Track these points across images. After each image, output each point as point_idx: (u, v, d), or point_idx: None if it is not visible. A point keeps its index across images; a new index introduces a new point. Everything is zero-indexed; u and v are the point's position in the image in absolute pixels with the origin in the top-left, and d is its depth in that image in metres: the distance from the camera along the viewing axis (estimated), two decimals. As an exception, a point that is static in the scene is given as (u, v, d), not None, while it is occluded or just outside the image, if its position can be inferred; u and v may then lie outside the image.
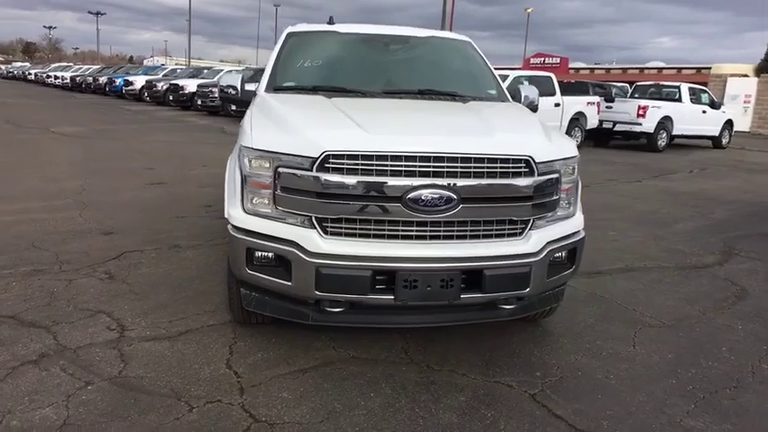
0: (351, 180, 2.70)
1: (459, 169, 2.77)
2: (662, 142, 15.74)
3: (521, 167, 2.87)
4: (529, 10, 63.96)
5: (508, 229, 2.93)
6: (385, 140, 2.80)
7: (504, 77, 13.37)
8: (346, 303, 2.86)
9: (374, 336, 3.43)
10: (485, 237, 2.89)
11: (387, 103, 3.67)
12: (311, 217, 2.79)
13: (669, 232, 6.57)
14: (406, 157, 2.73)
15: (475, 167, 2.79)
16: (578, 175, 3.25)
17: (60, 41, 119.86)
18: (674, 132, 16.00)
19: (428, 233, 2.81)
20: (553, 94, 14.20)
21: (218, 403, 2.71)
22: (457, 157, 2.76)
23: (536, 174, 2.90)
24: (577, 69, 55.46)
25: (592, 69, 57.62)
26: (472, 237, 2.87)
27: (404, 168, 2.73)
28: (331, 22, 4.56)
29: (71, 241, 5.06)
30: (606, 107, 15.92)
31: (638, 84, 19.15)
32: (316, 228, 2.79)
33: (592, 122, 15.48)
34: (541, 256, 2.94)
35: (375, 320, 3.01)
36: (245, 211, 2.95)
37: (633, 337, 3.68)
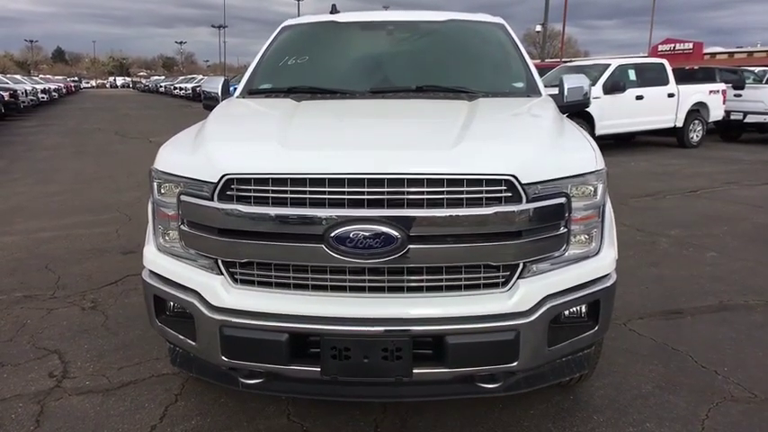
0: (259, 212, 2.03)
1: (406, 197, 1.99)
2: (807, 134, 13.20)
3: (500, 191, 2.02)
4: (654, -8, 58.60)
5: (484, 278, 2.08)
6: (304, 159, 2.09)
7: (605, 67, 11.90)
8: (266, 373, 2.18)
9: (346, 402, 2.72)
10: (449, 289, 2.08)
11: (361, 107, 2.94)
12: (217, 260, 2.15)
13: (794, 254, 5.12)
14: (330, 180, 2.00)
15: (430, 194, 1.99)
16: (606, 197, 2.31)
17: (192, 55, 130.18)
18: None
19: (367, 284, 2.06)
20: (666, 83, 12.38)
21: (104, 494, 2.16)
22: (403, 180, 1.98)
23: (525, 199, 2.03)
24: (713, 54, 50.15)
25: (731, 54, 51.82)
26: (431, 289, 2.07)
27: (328, 197, 2.00)
28: (333, 11, 3.90)
29: (85, 261, 4.87)
30: (735, 95, 13.66)
31: (778, 65, 16.35)
32: (223, 274, 2.15)
33: (716, 114, 13.33)
34: (535, 315, 2.06)
35: (315, 392, 2.29)
36: (158, 249, 2.38)
37: (704, 419, 2.63)
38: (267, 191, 2.04)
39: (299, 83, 3.29)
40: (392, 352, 2.01)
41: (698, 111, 12.98)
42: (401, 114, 2.77)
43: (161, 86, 55.31)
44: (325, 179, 2.00)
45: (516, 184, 2.02)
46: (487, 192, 2.01)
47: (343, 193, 1.99)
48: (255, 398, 2.77)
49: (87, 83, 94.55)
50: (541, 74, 12.29)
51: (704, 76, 15.07)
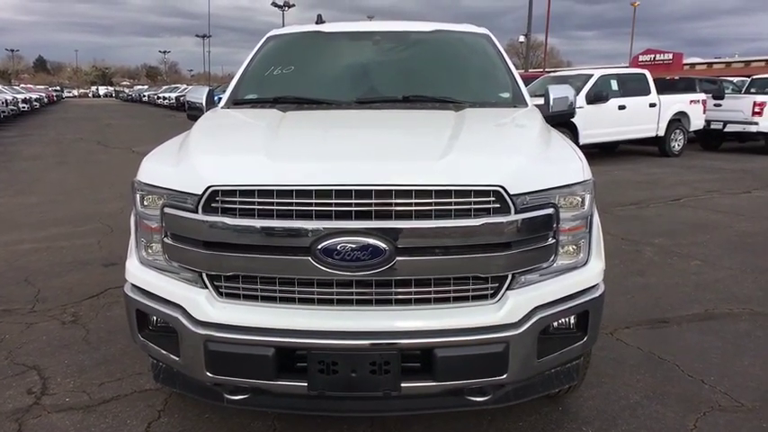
0: (244, 224, 2.00)
1: (394, 208, 1.97)
2: (785, 144, 13.45)
3: (488, 202, 2.01)
4: (636, 4, 59.61)
5: (473, 291, 2.07)
6: (291, 170, 2.06)
7: (588, 77, 12.04)
8: (251, 388, 2.13)
9: (331, 418, 2.68)
10: (438, 301, 2.06)
11: (347, 117, 2.92)
12: (201, 274, 2.11)
13: (776, 262, 5.18)
14: (317, 192, 1.97)
15: (418, 205, 1.97)
16: (593, 207, 2.31)
17: (176, 65, 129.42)
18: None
19: (354, 296, 2.03)
20: (647, 93, 12.55)
21: None
22: (390, 191, 1.96)
23: (513, 210, 2.02)
24: (693, 65, 51.12)
25: (710, 64, 52.89)
26: (419, 301, 2.05)
27: (315, 209, 1.97)
28: (319, 21, 3.89)
29: (66, 274, 4.77)
30: (715, 105, 13.88)
31: (756, 77, 16.67)
32: (208, 287, 2.11)
33: (696, 123, 13.54)
34: (524, 327, 2.05)
35: (301, 407, 2.25)
36: (141, 263, 2.33)
37: (691, 429, 2.63)
38: (253, 203, 2.01)
39: (284, 93, 3.27)
40: (380, 365, 1.98)
41: (679, 120, 13.18)
42: (388, 125, 2.75)
43: (144, 96, 54.91)
44: (311, 191, 1.98)
45: (504, 195, 2.01)
46: (476, 203, 2.00)
47: (330, 204, 1.97)
48: (240, 413, 2.71)
49: (69, 92, 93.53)
50: (525, 84, 12.34)
51: (685, 86, 15.31)
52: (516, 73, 3.52)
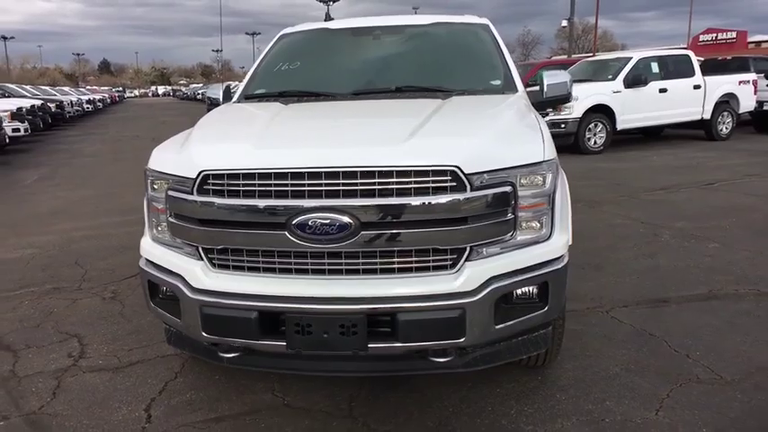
0: (231, 203, 2.29)
1: (359, 187, 2.21)
2: None
3: (445, 181, 2.21)
4: (695, -20, 56.72)
5: (434, 261, 2.28)
6: (271, 156, 2.34)
7: (627, 60, 11.81)
8: (242, 348, 2.44)
9: (327, 378, 2.96)
10: (401, 271, 2.29)
11: (339, 108, 3.17)
12: (198, 247, 2.42)
13: (799, 244, 5.09)
14: (292, 174, 2.24)
15: (380, 184, 2.20)
16: (556, 185, 2.47)
17: (229, 62, 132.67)
18: None
19: (327, 267, 2.29)
20: (691, 74, 12.17)
21: (104, 454, 2.47)
22: (356, 172, 2.21)
23: (469, 188, 2.22)
24: (759, 43, 48.26)
25: (778, 41, 49.77)
26: (384, 271, 2.29)
27: (291, 189, 2.24)
28: (327, 18, 4.15)
29: (110, 257, 5.26)
30: (768, 85, 13.30)
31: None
32: (203, 260, 2.42)
33: (746, 105, 13.01)
34: (480, 295, 2.25)
35: (286, 366, 2.54)
36: (153, 240, 2.68)
37: (664, 398, 2.75)
38: (238, 185, 2.29)
39: (289, 87, 3.55)
40: (348, 328, 2.23)
41: (727, 102, 12.71)
42: (372, 114, 2.99)
43: (198, 94, 56.87)
44: (287, 173, 2.24)
45: (460, 174, 2.21)
46: (434, 182, 2.21)
47: (303, 185, 2.23)
48: (246, 376, 3.04)
49: (131, 92, 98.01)
50: (564, 69, 12.05)
51: (738, 66, 14.74)
52: (510, 60, 3.67)
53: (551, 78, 3.64)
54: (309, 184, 2.22)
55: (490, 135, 2.44)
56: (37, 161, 12.92)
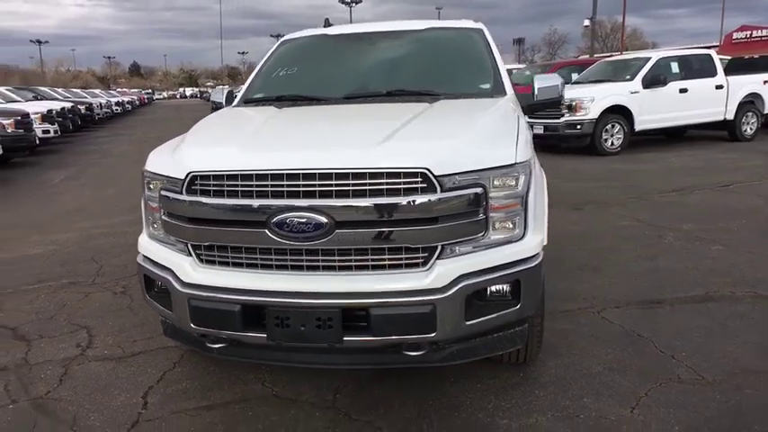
0: (216, 203, 2.43)
1: (334, 188, 2.33)
2: None
3: (416, 182, 2.31)
4: (728, -23, 55.33)
5: (406, 259, 2.39)
6: (253, 158, 2.47)
7: (646, 60, 11.68)
8: (228, 339, 2.58)
9: (315, 371, 3.09)
10: (375, 268, 2.39)
11: (328, 112, 3.30)
12: (187, 244, 2.57)
13: (807, 247, 5.03)
14: (272, 175, 2.37)
15: (354, 185, 2.32)
16: (530, 186, 2.54)
17: (255, 64, 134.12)
18: None
19: (305, 263, 2.41)
20: (713, 74, 11.97)
21: (100, 436, 2.63)
22: (331, 174, 2.32)
23: (439, 189, 2.31)
24: (797, 39, 46.86)
25: (820, 37, 48.26)
26: (359, 268, 2.40)
27: (271, 189, 2.37)
28: (327, 24, 4.28)
29: (124, 254, 5.48)
30: (795, 85, 12.96)
31: None
32: (192, 255, 2.57)
33: (772, 105, 12.73)
34: (450, 292, 2.34)
35: (268, 357, 2.69)
36: (149, 237, 2.85)
37: (641, 397, 2.80)
38: (223, 185, 2.43)
39: (285, 92, 3.70)
40: (324, 321, 2.35)
41: (751, 102, 12.46)
42: (357, 118, 3.11)
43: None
44: (267, 174, 2.37)
45: (430, 176, 2.31)
46: (405, 183, 2.31)
47: (282, 186, 2.35)
48: (239, 368, 3.18)
49: (160, 94, 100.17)
50: (581, 70, 12.13)
51: (766, 64, 14.39)
52: (501, 64, 3.75)
53: (542, 82, 3.71)
54: (288, 185, 2.35)
55: (464, 138, 2.53)
56: (65, 162, 13.40)
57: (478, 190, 2.38)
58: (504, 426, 2.62)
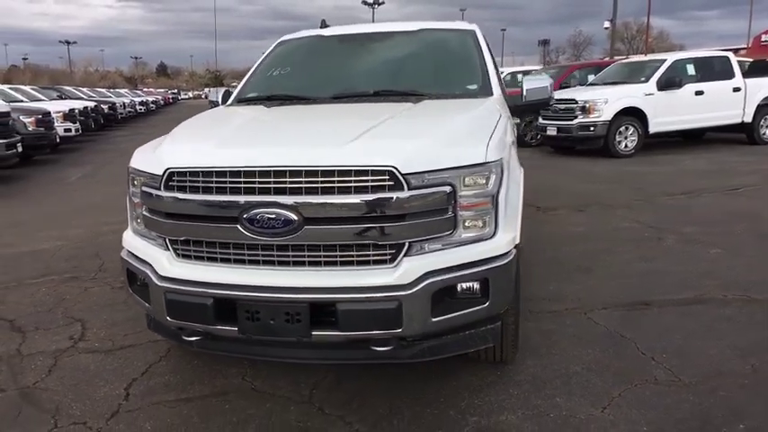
0: (190, 198, 2.50)
1: (303, 185, 2.38)
2: None
3: (383, 180, 2.35)
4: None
5: (374, 256, 2.42)
6: (227, 155, 2.54)
7: (661, 63, 11.52)
8: (203, 332, 2.64)
9: (296, 367, 3.15)
10: (343, 264, 2.44)
11: (311, 111, 3.36)
12: (165, 238, 2.65)
13: (809, 252, 4.93)
14: (245, 172, 2.43)
15: (323, 182, 2.36)
16: (501, 185, 2.55)
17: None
18: None
19: (276, 258, 2.47)
20: (731, 76, 11.76)
21: (80, 426, 2.73)
22: (300, 171, 2.37)
23: (406, 187, 2.35)
24: (827, 42, 45.69)
25: None
26: (327, 263, 2.44)
27: (243, 185, 2.43)
28: (323, 25, 4.34)
29: (128, 250, 5.60)
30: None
31: None
32: (169, 250, 2.64)
33: (792, 107, 12.43)
34: (415, 289, 2.37)
35: (240, 351, 2.75)
36: (133, 232, 2.93)
37: (615, 397, 2.79)
38: (198, 181, 2.50)
39: (277, 91, 3.77)
40: (293, 315, 2.40)
41: (771, 105, 12.20)
42: (336, 117, 3.16)
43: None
44: (240, 171, 2.43)
45: (397, 174, 2.34)
46: (373, 181, 2.35)
47: (254, 182, 2.41)
48: (222, 361, 3.25)
49: (185, 94, 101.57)
50: (598, 71, 12.00)
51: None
52: (490, 65, 3.76)
53: (531, 83, 3.72)
54: (260, 182, 2.40)
55: (434, 137, 2.56)
56: (84, 160, 13.71)
57: (447, 188, 2.40)
58: (474, 423, 2.64)
